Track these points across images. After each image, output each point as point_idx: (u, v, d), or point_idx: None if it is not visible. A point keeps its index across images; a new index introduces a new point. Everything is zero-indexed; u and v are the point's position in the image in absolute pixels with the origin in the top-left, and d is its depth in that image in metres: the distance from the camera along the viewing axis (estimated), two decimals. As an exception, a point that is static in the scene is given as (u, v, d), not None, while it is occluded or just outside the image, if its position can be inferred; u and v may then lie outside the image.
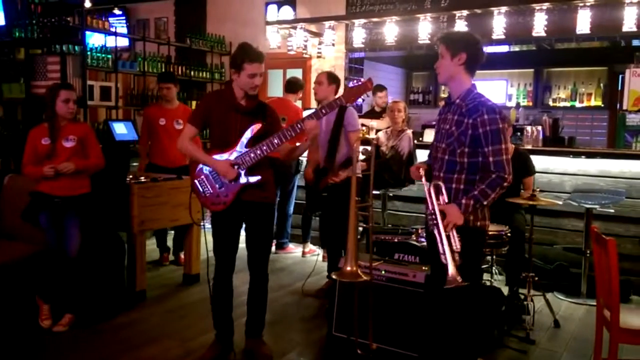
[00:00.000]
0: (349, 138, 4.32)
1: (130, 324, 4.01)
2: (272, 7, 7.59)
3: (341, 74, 6.92)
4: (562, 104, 8.06)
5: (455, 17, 5.95)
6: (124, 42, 7.16)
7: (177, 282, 4.99)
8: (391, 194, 5.50)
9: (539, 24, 5.60)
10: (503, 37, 5.83)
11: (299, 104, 6.28)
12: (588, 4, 5.37)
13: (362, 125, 5.97)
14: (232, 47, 7.35)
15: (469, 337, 2.83)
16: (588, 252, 4.55)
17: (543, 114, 7.17)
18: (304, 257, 5.90)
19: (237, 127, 3.20)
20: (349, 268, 2.88)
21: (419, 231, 3.80)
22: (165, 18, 8.56)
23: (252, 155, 3.15)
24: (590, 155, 5.08)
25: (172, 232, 5.54)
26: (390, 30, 6.41)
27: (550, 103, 8.14)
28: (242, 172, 3.18)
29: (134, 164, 5.63)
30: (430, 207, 2.64)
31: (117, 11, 8.65)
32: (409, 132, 5.16)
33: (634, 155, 5.05)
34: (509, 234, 3.94)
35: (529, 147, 5.30)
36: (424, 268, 3.31)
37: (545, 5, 5.54)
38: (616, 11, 5.42)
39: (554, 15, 5.69)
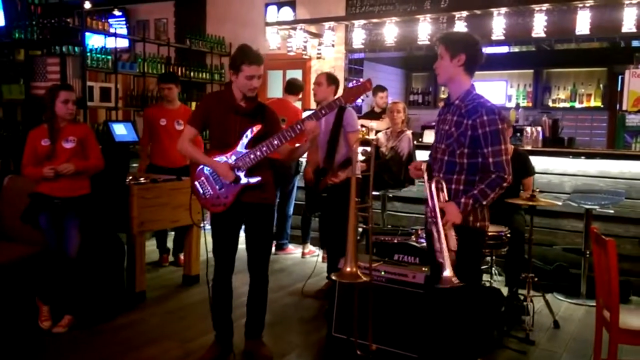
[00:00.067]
0: (348, 139, 4.32)
1: (129, 325, 4.01)
2: (272, 8, 7.59)
3: (341, 75, 6.92)
4: (562, 104, 8.06)
5: (455, 18, 5.95)
6: (123, 43, 7.16)
7: (177, 283, 4.99)
8: (391, 195, 5.51)
9: (539, 24, 5.60)
10: (503, 37, 5.83)
11: (298, 104, 6.28)
12: (587, 4, 5.37)
13: (362, 126, 5.97)
14: (232, 48, 7.35)
15: (469, 337, 2.83)
16: (588, 252, 4.55)
17: (543, 114, 7.17)
18: (304, 258, 5.90)
19: (236, 128, 3.20)
20: (348, 269, 2.88)
21: (419, 232, 3.80)
22: (165, 19, 8.56)
23: (252, 156, 3.16)
24: (589, 155, 5.08)
25: (172, 233, 5.54)
26: (390, 31, 6.41)
27: (550, 104, 8.14)
28: (242, 174, 3.18)
29: (134, 164, 5.63)
30: (430, 205, 2.64)
31: (117, 12, 8.65)
32: (409, 133, 5.17)
33: (634, 156, 5.05)
34: (508, 235, 3.94)
35: (529, 147, 5.31)
36: (423, 269, 3.31)
37: (545, 6, 5.54)
38: (616, 12, 5.42)
39: (554, 16, 5.69)
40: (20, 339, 3.73)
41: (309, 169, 4.52)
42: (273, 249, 5.82)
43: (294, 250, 6.09)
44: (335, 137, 4.32)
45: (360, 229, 4.18)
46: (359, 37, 6.70)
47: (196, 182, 3.30)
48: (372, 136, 5.76)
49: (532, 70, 8.25)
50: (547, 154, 5.25)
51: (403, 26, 6.41)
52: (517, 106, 7.89)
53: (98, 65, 5.95)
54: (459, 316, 2.74)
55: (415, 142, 5.25)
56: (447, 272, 2.52)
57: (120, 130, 5.04)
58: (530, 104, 8.22)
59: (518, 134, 5.77)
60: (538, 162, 5.01)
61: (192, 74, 7.28)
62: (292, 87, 5.94)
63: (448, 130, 2.71)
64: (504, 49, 6.94)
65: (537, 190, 4.19)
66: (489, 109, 2.63)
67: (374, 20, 6.57)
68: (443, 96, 8.19)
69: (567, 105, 8.03)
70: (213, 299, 3.42)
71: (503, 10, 5.72)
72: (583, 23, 5.44)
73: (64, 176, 3.76)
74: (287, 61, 7.38)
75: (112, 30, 6.42)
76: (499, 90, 8.36)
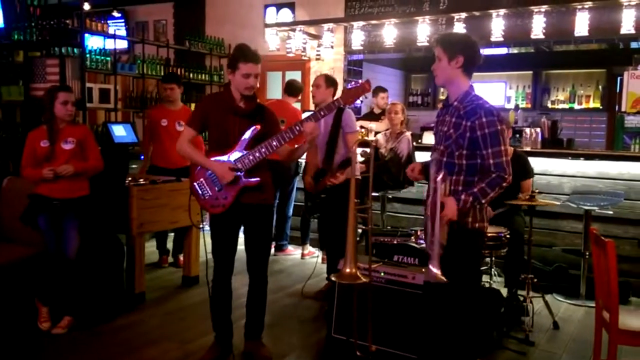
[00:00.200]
0: (346, 140, 4.33)
1: (129, 326, 4.01)
2: (271, 10, 7.60)
3: (340, 76, 6.92)
4: (561, 105, 8.08)
5: (454, 19, 5.95)
6: (123, 44, 7.16)
7: (177, 284, 4.99)
8: (390, 196, 5.51)
9: (538, 26, 5.60)
10: (502, 39, 5.84)
11: (297, 106, 6.28)
12: (586, 6, 5.37)
13: (361, 127, 5.98)
14: (231, 49, 7.33)
15: (468, 338, 2.84)
16: (587, 253, 4.56)
17: (542, 115, 7.18)
18: (303, 259, 5.90)
19: (235, 129, 3.20)
20: (348, 270, 2.88)
21: (418, 233, 3.81)
22: (164, 20, 8.56)
23: (251, 157, 3.16)
24: (588, 157, 5.09)
25: (172, 234, 5.54)
26: (389, 33, 6.41)
27: (549, 105, 8.15)
28: (241, 175, 3.18)
29: (133, 166, 5.63)
30: (432, 198, 2.65)
31: (116, 14, 8.66)
32: (408, 134, 5.17)
33: (633, 157, 5.05)
34: (508, 236, 3.95)
35: (528, 149, 5.31)
36: (423, 270, 3.30)
37: (544, 8, 5.54)
38: (614, 13, 5.42)
39: (553, 17, 5.70)
40: (20, 340, 3.72)
41: (308, 176, 4.51)
42: (272, 250, 5.83)
43: (294, 252, 6.09)
44: (334, 138, 4.32)
45: (359, 230, 4.18)
46: (358, 39, 6.70)
47: (195, 183, 3.30)
48: (371, 137, 5.77)
49: (531, 72, 8.26)
50: (546, 155, 5.25)
51: (402, 27, 6.41)
52: (516, 107, 7.90)
53: (97, 66, 5.95)
54: (458, 317, 2.75)
55: (414, 144, 5.25)
56: (434, 267, 2.53)
57: (120, 131, 5.04)
58: (529, 105, 8.23)
59: (517, 135, 5.77)
60: (537, 164, 5.01)
61: (191, 75, 7.28)
62: (291, 89, 5.94)
63: (447, 132, 2.71)
64: (502, 51, 6.94)
65: (537, 191, 4.20)
66: (488, 110, 2.63)
67: (373, 22, 6.57)
68: (442, 97, 8.19)
69: (566, 106, 8.04)
70: (212, 300, 3.42)
71: (502, 11, 5.73)
72: (582, 24, 5.45)
73: (63, 177, 3.75)
74: (286, 62, 7.38)
75: (111, 32, 6.42)
76: (498, 92, 8.37)
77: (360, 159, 4.54)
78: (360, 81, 5.14)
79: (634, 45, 6.19)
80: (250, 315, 3.49)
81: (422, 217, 2.99)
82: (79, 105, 5.28)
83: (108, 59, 6.08)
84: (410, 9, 6.53)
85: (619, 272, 2.84)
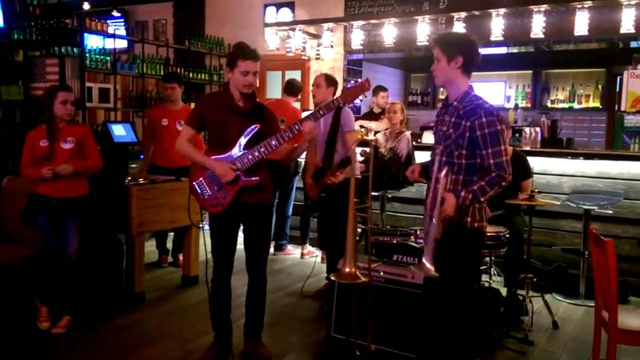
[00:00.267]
0: (345, 139, 4.33)
1: (129, 326, 4.01)
2: (271, 9, 7.59)
3: (340, 76, 6.92)
4: (561, 105, 8.08)
5: (454, 18, 5.95)
6: (122, 44, 7.15)
7: (176, 283, 4.99)
8: (390, 196, 5.51)
9: (537, 25, 5.60)
10: (501, 38, 5.83)
11: (297, 105, 6.28)
12: (586, 5, 5.37)
13: (361, 126, 5.98)
14: (231, 49, 7.35)
15: (468, 338, 2.84)
16: (586, 253, 4.56)
17: (541, 115, 7.16)
18: (303, 259, 5.91)
19: (234, 128, 3.20)
20: (347, 269, 2.88)
21: (418, 232, 3.81)
22: (164, 20, 8.56)
23: (250, 157, 3.16)
24: (588, 156, 5.08)
25: (172, 233, 5.54)
26: (389, 32, 6.41)
27: (549, 104, 8.15)
28: (241, 174, 3.18)
29: (133, 165, 5.63)
30: (432, 193, 2.65)
31: (115, 13, 8.65)
32: (408, 133, 5.17)
33: (632, 157, 5.05)
34: (507, 236, 3.95)
35: (528, 148, 5.31)
36: (415, 264, 3.30)
37: (544, 7, 5.54)
38: (614, 13, 5.42)
39: (552, 17, 5.70)
40: (19, 339, 3.72)
41: (308, 177, 4.50)
42: (272, 249, 5.83)
43: (293, 251, 6.09)
44: (333, 138, 4.32)
45: (359, 230, 4.18)
46: (357, 38, 6.70)
47: (194, 183, 3.30)
48: (371, 137, 5.77)
49: (530, 71, 8.26)
50: (545, 154, 5.25)
51: (402, 27, 6.41)
52: (516, 107, 7.89)
53: (97, 66, 5.94)
54: (457, 316, 2.75)
55: (414, 143, 5.25)
56: (427, 261, 2.53)
57: (119, 131, 5.04)
58: (529, 105, 8.23)
59: (517, 135, 5.77)
60: (537, 163, 5.02)
61: (190, 74, 7.27)
62: (291, 88, 5.94)
63: (446, 132, 2.71)
64: (502, 50, 6.94)
65: (536, 190, 4.20)
66: (488, 110, 2.63)
67: (373, 21, 6.56)
68: (442, 97, 8.19)
69: (565, 106, 8.04)
70: (212, 299, 3.42)
71: (502, 11, 5.72)
72: (582, 24, 5.45)
73: (62, 177, 3.76)
74: (286, 62, 7.38)
75: (110, 31, 6.42)
76: (497, 91, 8.37)
77: (359, 158, 4.54)
78: (359, 80, 5.14)
79: (633, 44, 6.19)
80: (250, 315, 3.49)
81: (422, 217, 2.99)
82: (79, 104, 5.28)
83: (108, 58, 6.08)
84: (410, 9, 6.53)
85: (618, 271, 2.84)
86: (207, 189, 3.25)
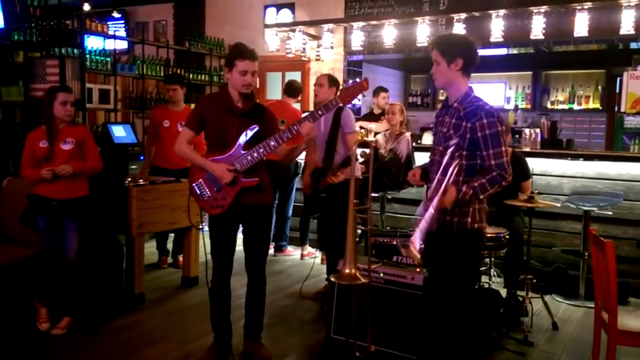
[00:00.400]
0: (345, 140, 4.33)
1: (128, 327, 4.01)
2: (271, 10, 7.60)
3: (340, 77, 6.92)
4: (560, 106, 8.08)
5: (454, 20, 5.95)
6: (122, 45, 7.16)
7: (176, 284, 4.99)
8: (390, 197, 5.50)
9: (537, 26, 5.60)
10: (501, 39, 5.84)
11: (297, 106, 6.29)
12: (586, 6, 5.38)
13: (361, 128, 5.98)
14: (231, 50, 7.36)
15: (467, 339, 2.84)
16: (586, 254, 4.56)
17: (541, 116, 7.17)
18: (303, 260, 5.90)
19: (233, 129, 3.20)
20: (347, 270, 2.88)
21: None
22: (164, 21, 8.57)
23: (249, 157, 3.16)
24: (588, 157, 5.09)
25: (172, 235, 5.54)
26: (389, 33, 6.42)
27: (549, 105, 8.15)
28: (240, 175, 3.18)
29: (133, 166, 5.63)
30: (435, 183, 2.64)
31: (116, 14, 8.66)
32: (408, 135, 5.17)
33: (632, 158, 5.05)
34: (507, 237, 3.95)
35: (527, 149, 5.31)
36: (422, 270, 3.31)
37: (543, 8, 5.54)
38: (614, 14, 5.43)
39: (552, 18, 5.70)
40: (19, 340, 3.72)
41: (307, 175, 4.51)
42: (272, 250, 5.83)
43: (293, 252, 6.09)
44: (333, 138, 4.33)
45: (359, 231, 4.18)
46: (357, 39, 6.70)
47: (194, 184, 3.30)
48: (371, 138, 5.77)
49: (530, 72, 8.26)
50: (545, 155, 5.25)
51: (402, 28, 6.41)
52: (516, 108, 7.90)
53: (97, 67, 5.95)
54: (457, 317, 2.75)
55: (414, 144, 5.25)
56: (414, 247, 2.53)
57: (119, 132, 5.04)
58: (528, 106, 8.23)
59: (517, 136, 5.77)
60: (536, 164, 5.02)
61: (191, 75, 7.27)
62: (291, 89, 5.94)
63: (446, 133, 2.71)
64: (502, 51, 6.95)
65: (536, 191, 4.20)
66: (488, 112, 2.63)
67: (373, 22, 6.57)
68: (442, 98, 8.18)
69: (565, 107, 8.04)
70: (212, 300, 3.42)
71: (502, 12, 5.73)
72: (581, 25, 5.45)
73: (62, 178, 3.76)
74: (286, 63, 7.39)
75: (111, 32, 6.43)
76: (497, 92, 8.37)
77: (360, 159, 4.54)
78: (358, 80, 5.14)
79: (633, 45, 6.20)
80: (250, 316, 3.49)
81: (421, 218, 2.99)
82: (79, 105, 5.29)
83: (108, 59, 6.09)
84: (410, 10, 6.54)
85: (618, 272, 2.84)
86: (207, 190, 3.25)
